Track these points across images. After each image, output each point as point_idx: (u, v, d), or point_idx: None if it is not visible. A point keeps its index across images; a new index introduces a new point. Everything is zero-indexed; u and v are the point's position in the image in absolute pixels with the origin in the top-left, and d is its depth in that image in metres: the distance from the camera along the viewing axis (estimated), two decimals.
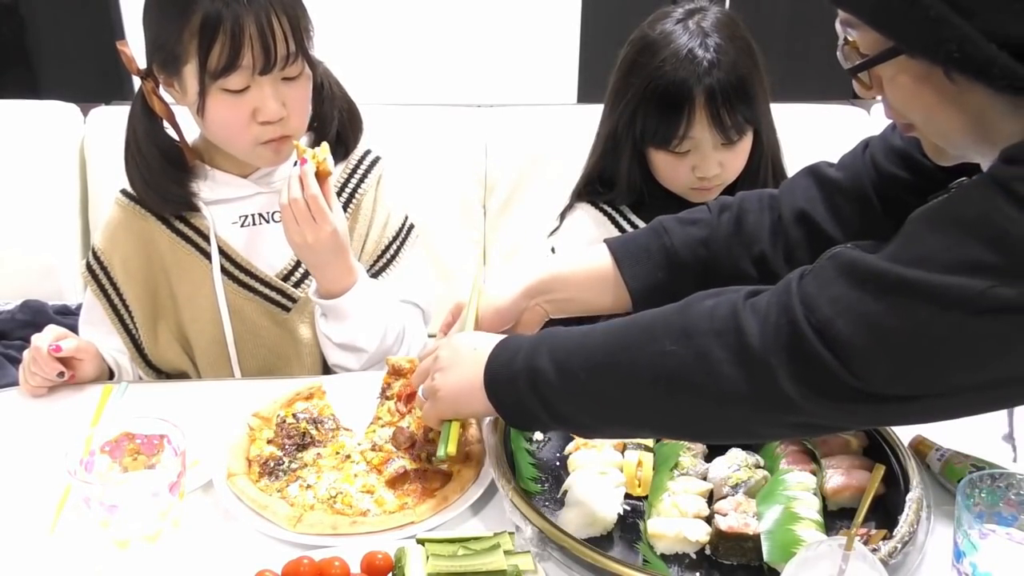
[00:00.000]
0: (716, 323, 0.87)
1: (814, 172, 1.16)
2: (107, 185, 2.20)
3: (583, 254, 1.21)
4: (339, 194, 1.50)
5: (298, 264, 1.48)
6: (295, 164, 1.32)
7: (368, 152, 1.56)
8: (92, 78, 3.09)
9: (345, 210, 1.50)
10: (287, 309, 1.48)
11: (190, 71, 1.31)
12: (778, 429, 0.94)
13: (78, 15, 3.05)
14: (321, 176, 1.31)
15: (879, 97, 0.90)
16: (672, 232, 1.16)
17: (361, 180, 1.53)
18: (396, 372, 1.26)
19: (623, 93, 1.47)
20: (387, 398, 1.25)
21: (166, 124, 1.43)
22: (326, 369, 1.50)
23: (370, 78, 2.99)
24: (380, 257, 1.53)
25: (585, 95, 3.09)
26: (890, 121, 0.96)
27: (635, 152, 1.50)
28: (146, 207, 1.46)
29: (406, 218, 1.57)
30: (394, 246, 1.54)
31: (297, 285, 1.48)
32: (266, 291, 1.47)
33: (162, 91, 1.40)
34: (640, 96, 1.44)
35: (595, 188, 1.58)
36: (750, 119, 1.45)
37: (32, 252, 2.22)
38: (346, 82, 1.54)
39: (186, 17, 1.27)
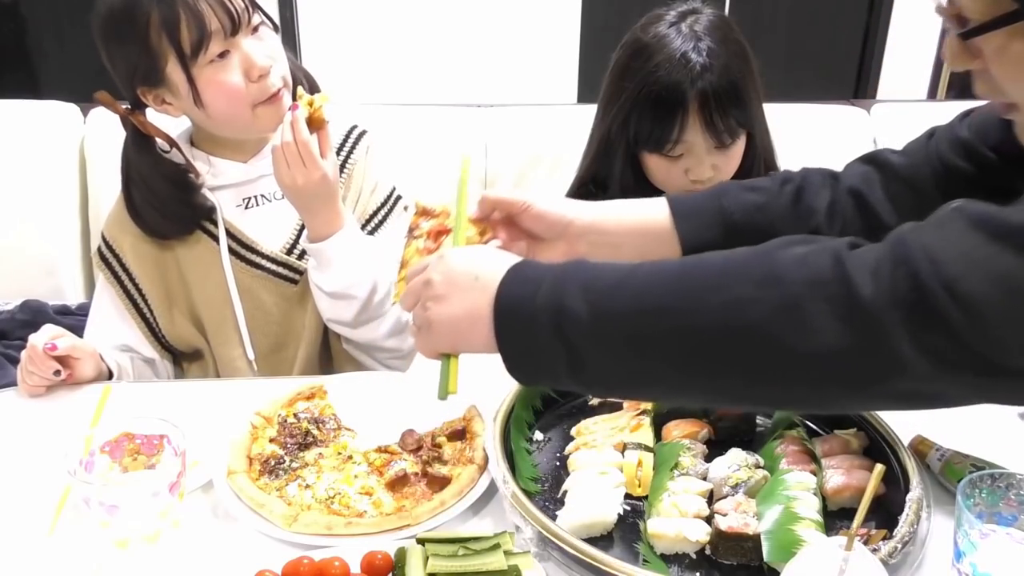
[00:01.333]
0: (812, 271, 0.77)
1: (876, 156, 1.14)
2: (107, 185, 2.20)
3: (640, 203, 1.15)
4: None
5: (299, 236, 1.51)
6: (290, 109, 1.36)
7: (355, 127, 1.61)
8: (92, 78, 3.08)
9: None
10: (295, 282, 1.52)
11: (172, 68, 1.35)
12: (874, 400, 0.83)
13: (78, 15, 3.04)
14: (315, 123, 1.35)
15: (977, 69, 0.83)
16: (731, 194, 1.12)
17: (351, 152, 1.58)
18: (424, 213, 1.18)
19: (616, 97, 1.47)
20: (415, 237, 1.16)
21: (159, 145, 1.46)
22: (332, 350, 1.54)
23: (370, 78, 2.99)
24: (367, 223, 1.56)
25: (585, 95, 3.10)
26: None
27: (628, 155, 1.49)
28: (161, 236, 1.48)
29: (393, 189, 1.61)
30: (381, 213, 1.58)
31: (301, 257, 1.52)
32: (273, 267, 1.51)
33: (151, 117, 1.44)
34: (633, 100, 1.44)
35: (588, 190, 1.59)
36: (743, 122, 1.45)
37: (32, 252, 2.21)
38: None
39: (145, 21, 1.32)
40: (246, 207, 1.51)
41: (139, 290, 1.51)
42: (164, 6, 1.31)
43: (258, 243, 1.51)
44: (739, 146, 1.47)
